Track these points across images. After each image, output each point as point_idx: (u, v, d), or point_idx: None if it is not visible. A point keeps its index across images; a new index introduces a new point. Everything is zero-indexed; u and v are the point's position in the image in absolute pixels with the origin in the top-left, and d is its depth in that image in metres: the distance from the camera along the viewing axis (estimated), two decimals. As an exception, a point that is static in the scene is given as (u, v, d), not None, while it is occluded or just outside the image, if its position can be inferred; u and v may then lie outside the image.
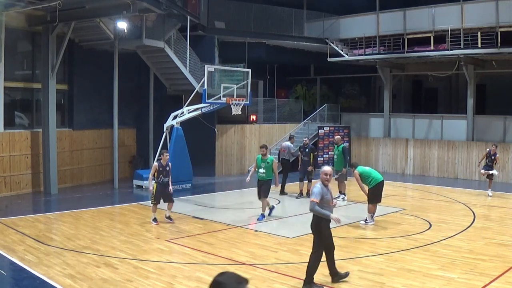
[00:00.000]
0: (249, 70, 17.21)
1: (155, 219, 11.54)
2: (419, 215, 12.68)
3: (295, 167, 16.26)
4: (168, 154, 11.76)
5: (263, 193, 11.92)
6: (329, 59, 21.89)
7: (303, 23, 23.65)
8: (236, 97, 16.62)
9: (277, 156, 16.47)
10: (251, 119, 21.39)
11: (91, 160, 18.29)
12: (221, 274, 2.95)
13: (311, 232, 7.58)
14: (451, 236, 10.45)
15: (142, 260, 8.72)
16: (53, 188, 15.75)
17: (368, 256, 9.03)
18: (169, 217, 11.57)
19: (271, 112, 22.62)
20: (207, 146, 19.85)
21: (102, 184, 17.81)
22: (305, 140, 15.82)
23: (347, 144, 21.68)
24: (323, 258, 7.48)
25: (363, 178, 11.48)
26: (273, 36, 22.09)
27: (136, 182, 17.15)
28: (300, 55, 24.04)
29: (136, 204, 14.33)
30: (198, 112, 16.55)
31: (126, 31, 16.43)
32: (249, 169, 12.91)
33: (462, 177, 19.98)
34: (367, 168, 11.70)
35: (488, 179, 15.81)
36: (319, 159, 21.55)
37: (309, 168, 15.01)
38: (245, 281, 2.91)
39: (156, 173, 11.40)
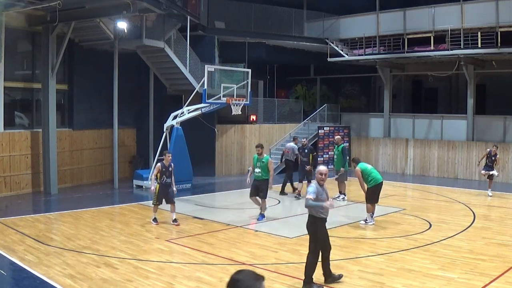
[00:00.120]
0: (249, 70, 17.21)
1: (155, 219, 11.54)
2: (419, 215, 12.68)
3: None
4: (170, 154, 11.68)
5: (262, 194, 11.90)
6: (329, 59, 21.89)
7: (303, 23, 23.65)
8: (236, 97, 16.62)
9: (280, 157, 16.53)
10: (251, 119, 21.39)
11: (91, 160, 18.29)
12: (238, 272, 3.02)
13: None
14: (451, 236, 10.45)
15: (142, 260, 8.72)
16: (53, 188, 15.75)
17: (368, 256, 9.03)
18: (175, 220, 11.50)
19: (271, 112, 22.61)
20: (207, 146, 19.85)
21: (102, 184, 17.81)
22: (304, 141, 15.81)
23: (347, 144, 21.71)
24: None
25: (364, 175, 11.46)
26: (273, 36, 22.09)
27: (136, 182, 17.15)
28: (300, 55, 24.04)
29: (136, 204, 14.33)
30: (198, 112, 16.55)
31: (126, 31, 16.43)
32: (248, 168, 12.88)
33: (462, 177, 19.98)
34: (369, 167, 11.64)
35: (488, 179, 15.82)
36: (319, 159, 21.56)
37: (308, 168, 14.98)
38: (261, 278, 2.99)
39: (159, 174, 11.40)
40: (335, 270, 7.93)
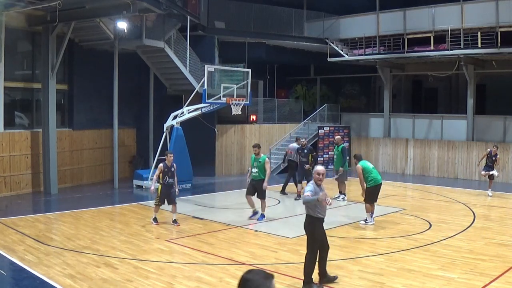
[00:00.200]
0: (249, 70, 17.21)
1: (155, 219, 11.53)
2: (419, 215, 12.68)
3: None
4: (172, 154, 11.62)
5: (260, 195, 11.88)
6: (329, 59, 21.89)
7: (303, 23, 23.65)
8: (236, 97, 16.62)
9: (283, 157, 16.54)
10: (251, 119, 21.39)
11: (91, 160, 18.29)
12: (248, 271, 3.10)
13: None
14: (451, 236, 10.45)
15: (142, 260, 8.72)
16: (53, 188, 15.75)
17: (368, 256, 9.03)
18: (175, 221, 11.50)
19: (271, 112, 22.61)
20: (207, 146, 19.85)
21: (102, 184, 17.81)
22: (303, 141, 15.75)
23: (347, 144, 21.72)
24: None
25: (364, 174, 11.41)
26: (273, 36, 22.09)
27: (136, 182, 17.15)
28: (300, 55, 24.04)
29: (136, 204, 14.33)
30: (198, 112, 16.55)
31: (126, 31, 16.43)
32: (248, 169, 12.86)
33: (462, 177, 19.98)
34: (370, 166, 11.60)
35: (488, 179, 15.82)
36: (319, 159, 21.57)
37: (307, 167, 14.94)
38: (271, 276, 3.07)
39: (161, 174, 11.38)
40: (335, 270, 7.95)
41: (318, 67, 26.20)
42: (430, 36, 19.37)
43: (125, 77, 17.68)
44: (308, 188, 7.30)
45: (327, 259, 7.65)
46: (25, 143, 15.73)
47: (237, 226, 11.41)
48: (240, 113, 17.18)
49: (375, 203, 11.62)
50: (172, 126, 16.64)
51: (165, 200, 11.45)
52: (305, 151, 15.27)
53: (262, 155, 11.99)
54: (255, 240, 10.28)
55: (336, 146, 15.23)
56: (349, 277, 7.82)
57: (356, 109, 26.28)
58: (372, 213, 11.59)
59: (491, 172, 15.62)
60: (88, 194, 15.90)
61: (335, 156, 15.29)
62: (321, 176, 7.35)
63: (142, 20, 16.71)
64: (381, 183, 11.55)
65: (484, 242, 9.99)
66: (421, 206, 14.27)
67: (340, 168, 14.69)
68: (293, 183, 15.77)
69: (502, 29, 17.42)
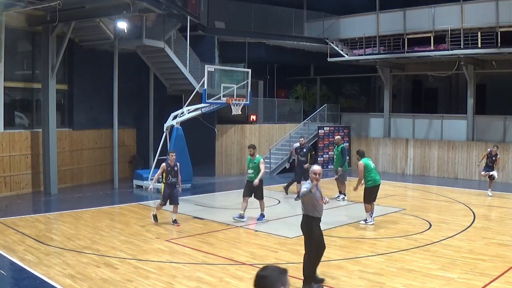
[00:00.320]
0: (249, 70, 17.22)
1: (155, 217, 11.48)
2: (419, 215, 12.68)
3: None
4: (174, 154, 11.60)
5: (258, 195, 11.86)
6: (329, 59, 21.89)
7: (303, 23, 23.64)
8: (236, 97, 16.62)
9: (288, 157, 16.53)
10: (251, 119, 21.39)
11: (91, 160, 18.29)
12: (263, 269, 3.14)
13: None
14: (451, 236, 10.45)
15: (142, 260, 8.72)
16: (53, 188, 15.75)
17: (368, 256, 9.03)
18: (175, 221, 11.49)
19: (271, 112, 22.61)
20: (207, 146, 19.85)
21: (102, 184, 17.81)
22: (301, 140, 15.72)
23: (347, 144, 21.72)
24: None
25: (364, 172, 11.40)
26: (273, 36, 22.09)
27: (136, 182, 17.15)
28: (300, 55, 24.04)
29: (136, 204, 14.33)
30: (198, 112, 16.55)
31: (126, 31, 16.43)
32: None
33: (462, 177, 19.98)
34: (372, 165, 11.56)
35: (488, 179, 15.83)
36: (319, 159, 21.58)
37: (306, 166, 14.91)
38: (285, 271, 3.13)
39: (164, 174, 11.37)
40: (335, 270, 7.96)
41: (318, 67, 26.20)
42: (430, 36, 19.37)
43: (125, 77, 17.68)
44: (305, 186, 7.33)
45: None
46: (25, 143, 15.73)
47: (237, 226, 11.41)
48: (240, 113, 17.18)
49: (373, 202, 11.62)
50: (172, 126, 16.64)
51: (168, 199, 11.43)
52: (304, 150, 15.27)
53: (257, 155, 11.91)
54: (255, 240, 10.29)
55: (336, 146, 15.23)
56: (349, 277, 7.82)
57: (356, 109, 26.28)
58: (372, 213, 11.59)
59: (491, 173, 15.62)
60: (88, 194, 15.90)
61: (335, 156, 15.28)
62: (317, 176, 7.35)
63: (142, 20, 16.71)
64: (379, 184, 11.54)
65: (484, 242, 9.99)
66: (421, 206, 14.27)
67: (339, 168, 14.68)
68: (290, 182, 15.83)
69: (502, 29, 17.42)
